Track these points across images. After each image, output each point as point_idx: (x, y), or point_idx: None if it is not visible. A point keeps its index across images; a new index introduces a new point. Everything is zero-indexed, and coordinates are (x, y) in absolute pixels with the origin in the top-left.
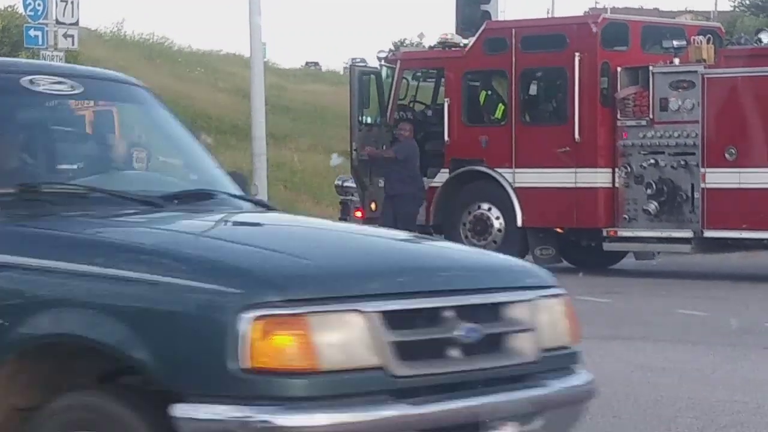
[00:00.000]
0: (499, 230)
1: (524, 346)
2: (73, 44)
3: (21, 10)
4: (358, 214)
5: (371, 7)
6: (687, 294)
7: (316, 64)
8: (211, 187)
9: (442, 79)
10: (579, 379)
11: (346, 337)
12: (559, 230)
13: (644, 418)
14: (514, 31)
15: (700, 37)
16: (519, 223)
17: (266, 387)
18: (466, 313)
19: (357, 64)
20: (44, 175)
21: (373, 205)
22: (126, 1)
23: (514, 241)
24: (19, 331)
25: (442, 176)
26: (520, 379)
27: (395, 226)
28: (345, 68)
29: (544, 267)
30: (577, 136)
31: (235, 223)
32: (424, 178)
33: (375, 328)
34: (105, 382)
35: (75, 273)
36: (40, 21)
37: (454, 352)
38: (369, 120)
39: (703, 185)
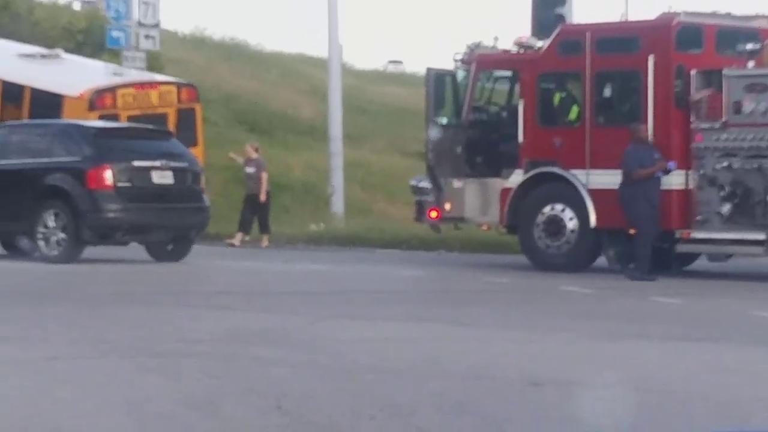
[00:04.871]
0: (573, 231)
1: None
2: (154, 45)
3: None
4: (433, 214)
5: (447, 10)
6: (760, 296)
7: (400, 62)
8: None
9: (517, 81)
10: None
11: None
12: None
13: (717, 418)
14: (588, 33)
15: None
16: (592, 224)
17: None
18: None
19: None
20: None
21: (447, 206)
22: (205, 2)
23: (588, 242)
24: None
25: (517, 177)
26: None
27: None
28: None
29: (616, 268)
30: (650, 138)
31: None
32: (498, 179)
33: None
34: None
35: None
36: (123, 23)
37: None
38: (444, 121)
39: None
